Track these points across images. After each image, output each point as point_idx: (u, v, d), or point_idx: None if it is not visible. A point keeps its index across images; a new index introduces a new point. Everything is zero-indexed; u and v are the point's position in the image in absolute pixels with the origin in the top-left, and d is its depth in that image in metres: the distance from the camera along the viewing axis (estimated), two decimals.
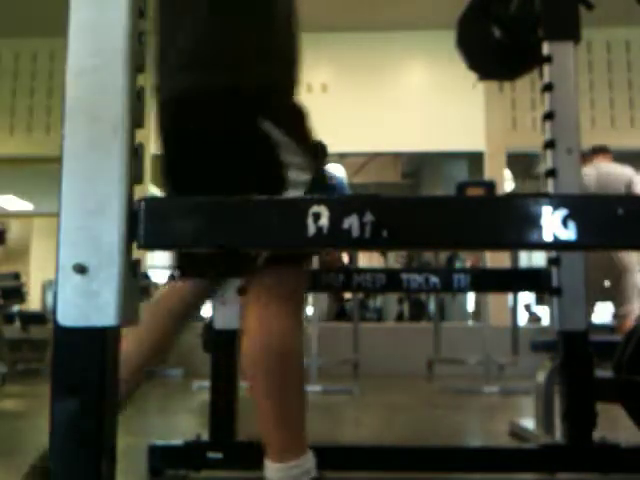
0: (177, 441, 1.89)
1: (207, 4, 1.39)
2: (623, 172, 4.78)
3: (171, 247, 0.88)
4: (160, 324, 1.54)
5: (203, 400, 3.92)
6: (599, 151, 4.88)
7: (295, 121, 1.38)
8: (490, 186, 4.85)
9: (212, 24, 1.38)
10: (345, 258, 5.24)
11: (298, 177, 1.31)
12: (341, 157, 7.58)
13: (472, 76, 2.04)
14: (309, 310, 5.03)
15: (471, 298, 8.13)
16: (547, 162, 1.89)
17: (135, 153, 0.85)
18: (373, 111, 7.12)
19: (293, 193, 1.30)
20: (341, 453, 1.93)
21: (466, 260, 7.60)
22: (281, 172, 1.31)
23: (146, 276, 6.90)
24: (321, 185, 1.37)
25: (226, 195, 0.86)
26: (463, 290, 2.09)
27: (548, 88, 1.88)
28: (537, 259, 7.79)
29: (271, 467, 1.31)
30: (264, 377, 1.32)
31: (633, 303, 4.62)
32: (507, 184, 7.41)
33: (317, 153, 1.41)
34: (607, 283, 4.65)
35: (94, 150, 0.82)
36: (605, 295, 4.74)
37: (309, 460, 1.32)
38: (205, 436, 1.88)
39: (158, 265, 7.22)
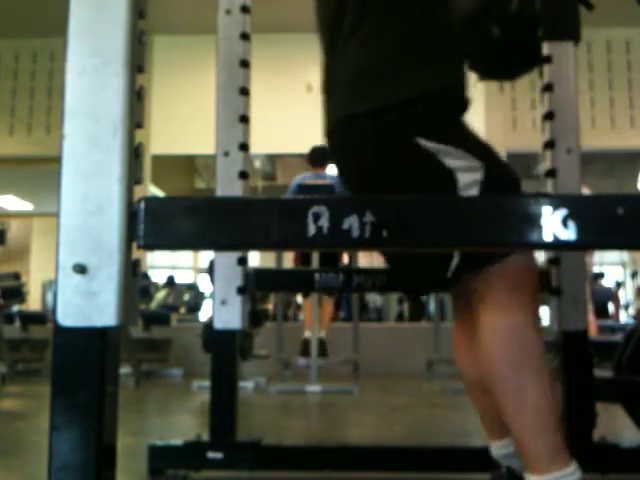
0: (177, 441, 1.89)
1: None
2: None
3: (171, 247, 0.88)
4: None
5: (203, 400, 3.92)
6: None
7: (449, 128, 1.33)
8: None
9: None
10: (345, 258, 5.23)
11: (468, 178, 1.23)
12: None
13: (472, 76, 2.03)
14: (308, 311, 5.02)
15: None
16: (547, 162, 1.89)
17: (135, 153, 0.85)
18: None
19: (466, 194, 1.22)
20: (341, 453, 1.94)
21: None
22: (449, 177, 1.23)
23: (146, 276, 6.90)
24: None
25: None
26: None
27: (548, 88, 1.88)
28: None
29: None
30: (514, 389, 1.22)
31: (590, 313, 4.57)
32: None
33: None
34: None
35: (94, 150, 0.82)
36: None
37: (577, 471, 1.18)
38: (205, 436, 1.88)
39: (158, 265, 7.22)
